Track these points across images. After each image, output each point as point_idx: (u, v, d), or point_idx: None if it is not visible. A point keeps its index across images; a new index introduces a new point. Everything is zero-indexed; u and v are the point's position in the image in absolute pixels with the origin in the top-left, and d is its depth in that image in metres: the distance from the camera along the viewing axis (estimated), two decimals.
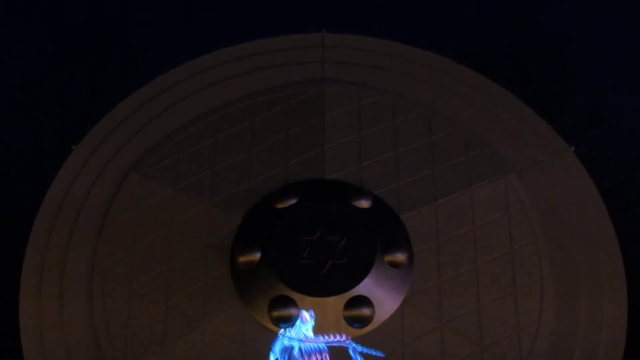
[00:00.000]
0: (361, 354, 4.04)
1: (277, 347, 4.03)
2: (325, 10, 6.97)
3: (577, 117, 6.36)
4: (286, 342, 4.07)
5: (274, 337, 4.38)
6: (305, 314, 4.10)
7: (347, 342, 4.04)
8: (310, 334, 4.04)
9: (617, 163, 6.17)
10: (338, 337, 4.12)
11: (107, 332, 4.60)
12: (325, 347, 4.09)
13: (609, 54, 6.82)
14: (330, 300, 4.54)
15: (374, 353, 4.23)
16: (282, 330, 4.17)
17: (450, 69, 5.45)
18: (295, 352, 4.02)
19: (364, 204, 4.84)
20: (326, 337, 4.09)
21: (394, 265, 4.68)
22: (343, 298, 4.55)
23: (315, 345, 4.10)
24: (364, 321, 4.57)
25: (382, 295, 4.60)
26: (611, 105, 6.52)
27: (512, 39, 6.86)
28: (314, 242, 4.66)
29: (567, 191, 5.04)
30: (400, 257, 4.70)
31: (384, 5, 7.07)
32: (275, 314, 4.53)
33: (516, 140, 5.17)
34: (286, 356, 4.05)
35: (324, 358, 4.09)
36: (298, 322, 4.12)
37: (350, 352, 4.08)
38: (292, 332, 4.09)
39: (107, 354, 4.56)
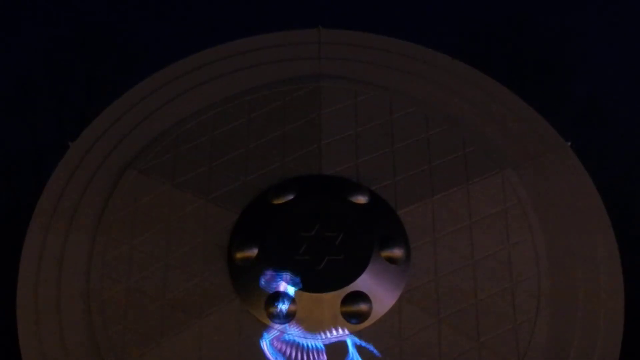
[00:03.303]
0: (358, 347, 4.03)
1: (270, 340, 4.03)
2: (321, 6, 6.97)
3: (574, 113, 6.36)
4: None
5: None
6: None
7: (345, 335, 4.03)
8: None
9: (614, 158, 6.17)
10: (338, 334, 4.12)
11: (105, 328, 4.58)
12: (323, 346, 4.09)
13: (606, 49, 6.82)
14: (328, 296, 4.48)
15: (371, 349, 4.24)
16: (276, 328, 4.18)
17: (447, 65, 5.40)
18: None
19: (361, 199, 4.78)
20: (324, 335, 4.09)
21: (391, 260, 4.63)
22: (340, 294, 4.47)
23: (313, 343, 4.10)
24: (361, 317, 4.51)
25: (379, 291, 4.57)
26: (608, 100, 6.52)
27: (508, 35, 6.86)
28: (311, 238, 4.59)
29: (564, 186, 5.00)
30: (397, 252, 4.65)
31: (381, 2, 7.07)
32: (273, 309, 4.52)
33: (513, 135, 5.13)
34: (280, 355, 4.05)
35: (321, 356, 4.10)
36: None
37: (349, 344, 4.06)
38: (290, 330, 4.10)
39: (105, 351, 4.55)
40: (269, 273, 4.23)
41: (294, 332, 4.14)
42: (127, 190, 4.92)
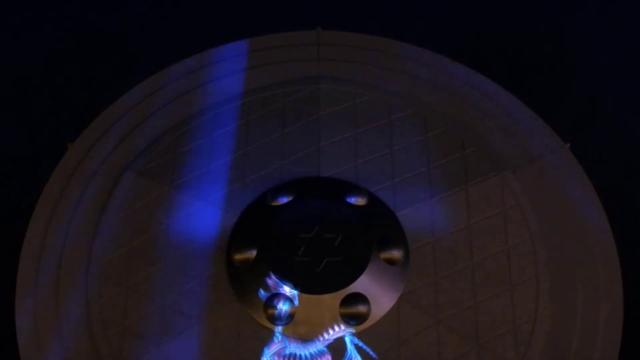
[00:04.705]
0: (357, 347, 4.03)
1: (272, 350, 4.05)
2: (321, 6, 6.97)
3: (573, 114, 6.35)
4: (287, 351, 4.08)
5: (270, 335, 4.43)
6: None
7: (344, 331, 4.04)
8: None
9: (613, 160, 6.15)
10: (335, 331, 4.12)
11: (104, 330, 4.59)
12: (326, 349, 4.09)
13: (605, 50, 6.80)
14: (327, 297, 4.49)
15: (369, 351, 4.25)
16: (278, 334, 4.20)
17: (445, 67, 5.40)
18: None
19: (360, 201, 4.80)
20: (324, 337, 4.09)
21: (390, 262, 4.64)
22: (339, 295, 4.46)
23: (317, 349, 4.11)
24: (360, 318, 4.52)
25: (378, 293, 4.58)
26: (607, 101, 6.50)
27: (507, 36, 6.84)
28: (309, 239, 4.59)
29: (563, 188, 5.01)
30: (396, 254, 4.67)
31: (381, 2, 7.06)
32: (272, 311, 4.52)
33: (511, 137, 5.14)
34: None
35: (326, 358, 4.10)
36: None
37: (348, 342, 4.07)
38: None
39: (104, 353, 4.55)
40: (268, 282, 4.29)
41: (294, 344, 4.15)
42: (126, 192, 4.92)
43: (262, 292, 4.37)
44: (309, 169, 4.97)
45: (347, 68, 5.37)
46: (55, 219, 4.92)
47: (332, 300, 4.51)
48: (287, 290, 4.42)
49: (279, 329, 4.42)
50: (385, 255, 4.64)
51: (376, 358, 4.19)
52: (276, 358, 4.09)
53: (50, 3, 7.22)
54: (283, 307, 4.44)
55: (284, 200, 4.80)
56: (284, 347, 4.13)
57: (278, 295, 4.47)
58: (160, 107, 5.29)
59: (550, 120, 5.26)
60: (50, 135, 6.36)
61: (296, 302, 4.44)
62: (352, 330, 4.17)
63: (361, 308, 4.53)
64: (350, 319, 4.52)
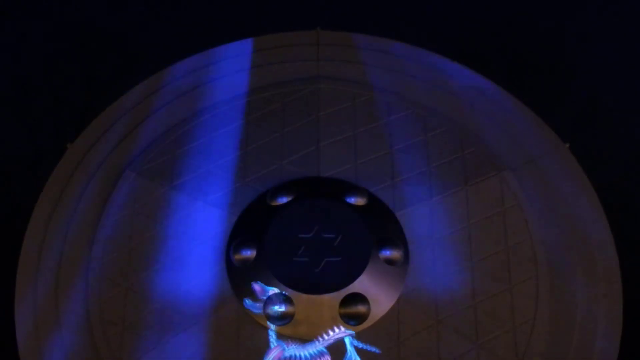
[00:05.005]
0: (357, 348, 4.03)
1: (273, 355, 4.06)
2: (321, 7, 6.96)
3: (573, 114, 6.34)
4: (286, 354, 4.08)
5: (269, 336, 4.44)
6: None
7: (344, 332, 4.04)
8: None
9: (613, 160, 6.15)
10: (335, 333, 4.12)
11: (103, 330, 4.60)
12: (326, 350, 4.09)
13: (604, 50, 6.80)
14: (326, 297, 4.50)
15: (370, 349, 4.26)
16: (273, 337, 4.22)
17: (445, 67, 5.42)
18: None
19: (360, 201, 4.80)
20: (323, 338, 4.09)
21: (390, 262, 4.65)
22: (339, 295, 4.48)
23: (316, 350, 4.11)
24: (359, 318, 4.52)
25: (378, 293, 4.58)
26: (607, 101, 6.50)
27: (507, 36, 6.84)
28: (309, 239, 4.61)
29: (562, 188, 5.01)
30: (395, 254, 4.67)
31: (381, 2, 7.06)
32: (271, 312, 4.52)
33: (511, 137, 5.14)
34: None
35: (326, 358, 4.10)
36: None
37: (347, 343, 4.07)
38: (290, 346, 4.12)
39: (104, 353, 4.56)
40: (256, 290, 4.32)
41: (293, 346, 4.15)
42: (126, 192, 4.93)
43: (260, 292, 4.37)
44: (309, 169, 4.97)
45: (346, 68, 5.37)
46: (55, 219, 4.92)
47: (331, 300, 4.51)
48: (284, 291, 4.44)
49: (274, 328, 4.42)
50: (384, 255, 4.65)
51: (378, 352, 4.19)
52: None
53: (50, 3, 7.21)
54: (282, 307, 4.45)
55: (284, 200, 4.80)
56: (283, 351, 4.13)
57: (277, 296, 4.48)
58: (160, 107, 5.30)
59: (550, 120, 5.26)
60: (50, 135, 6.35)
61: (294, 303, 4.45)
62: (352, 332, 4.17)
63: (361, 308, 4.53)
64: (350, 319, 4.52)
